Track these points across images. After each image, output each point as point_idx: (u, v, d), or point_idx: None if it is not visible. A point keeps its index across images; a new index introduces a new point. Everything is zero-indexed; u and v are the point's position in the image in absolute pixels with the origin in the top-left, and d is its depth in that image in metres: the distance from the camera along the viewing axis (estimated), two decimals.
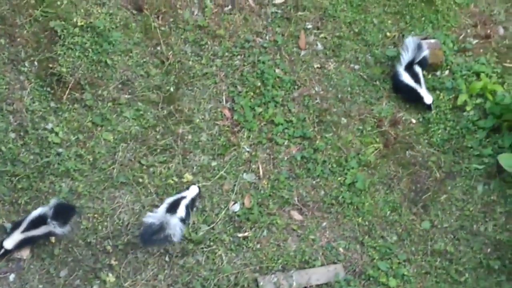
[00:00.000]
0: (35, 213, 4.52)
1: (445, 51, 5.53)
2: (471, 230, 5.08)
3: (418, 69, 5.35)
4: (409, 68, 5.30)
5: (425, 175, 5.21)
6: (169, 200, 4.72)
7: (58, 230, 4.50)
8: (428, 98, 5.34)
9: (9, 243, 4.49)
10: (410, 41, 5.28)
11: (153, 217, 4.58)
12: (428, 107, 5.35)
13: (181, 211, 4.66)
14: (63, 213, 4.54)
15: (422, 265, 4.95)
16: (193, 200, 4.82)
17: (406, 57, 5.28)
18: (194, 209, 4.85)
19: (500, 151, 5.23)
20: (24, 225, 4.49)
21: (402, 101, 5.40)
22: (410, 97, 5.39)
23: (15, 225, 4.56)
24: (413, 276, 4.89)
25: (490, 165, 5.24)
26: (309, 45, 5.49)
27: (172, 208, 4.64)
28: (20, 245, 4.55)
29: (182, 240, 4.73)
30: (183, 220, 4.65)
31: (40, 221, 4.50)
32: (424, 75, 5.40)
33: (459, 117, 5.38)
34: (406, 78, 5.31)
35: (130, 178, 4.90)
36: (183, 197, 4.75)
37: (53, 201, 4.55)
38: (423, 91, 5.33)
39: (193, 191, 4.83)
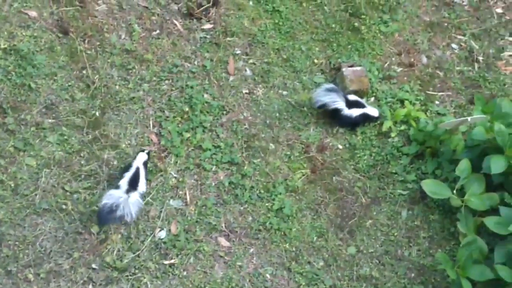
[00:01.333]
0: None
1: (371, 78, 5.73)
2: (395, 255, 5.22)
3: (353, 96, 5.53)
4: (350, 104, 5.47)
5: (351, 200, 5.34)
6: (128, 174, 4.85)
7: None
8: (374, 112, 5.55)
9: None
10: (326, 93, 5.43)
11: (111, 197, 4.68)
12: (377, 119, 5.57)
13: (142, 186, 4.87)
14: None
15: None
16: (145, 167, 4.95)
17: (339, 103, 5.43)
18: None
19: (423, 177, 5.41)
20: None
21: (330, 127, 5.55)
22: (365, 122, 5.59)
23: None
24: None
25: (414, 190, 5.42)
26: (238, 70, 5.62)
27: (133, 184, 4.82)
28: None
29: (107, 267, 4.74)
30: (142, 195, 4.86)
31: None
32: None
33: (384, 143, 5.57)
34: (355, 111, 5.48)
35: (53, 204, 4.86)
36: (138, 169, 4.89)
37: None
38: (368, 109, 5.53)
39: (142, 158, 4.95)
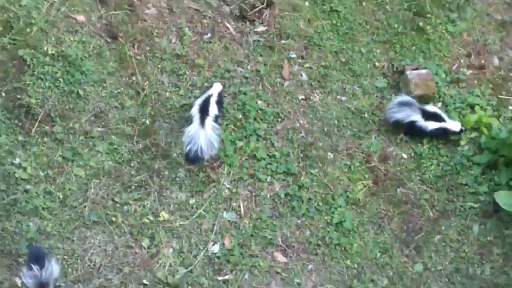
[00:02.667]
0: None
1: (437, 82, 5.68)
2: (466, 274, 5.15)
3: (432, 108, 5.50)
4: (427, 116, 5.44)
5: (418, 214, 5.29)
6: (198, 101, 5.20)
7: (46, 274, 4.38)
8: (455, 126, 5.48)
9: None
10: (400, 108, 5.42)
11: (189, 138, 5.06)
12: (459, 133, 5.50)
13: (213, 109, 5.17)
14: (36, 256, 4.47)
15: None
16: (220, 96, 5.28)
17: (414, 116, 5.42)
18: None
19: (496, 188, 5.34)
20: None
21: (393, 135, 5.51)
22: (441, 135, 5.53)
23: None
24: None
25: (486, 203, 5.35)
26: (293, 75, 5.62)
27: (204, 109, 5.14)
28: None
29: (158, 283, 4.77)
30: (217, 118, 5.20)
31: None
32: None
33: (453, 152, 5.52)
34: (432, 124, 5.44)
35: (103, 216, 4.92)
36: (210, 95, 5.22)
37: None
38: (448, 123, 5.46)
39: (217, 87, 5.25)
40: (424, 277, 5.10)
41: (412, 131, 5.51)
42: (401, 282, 5.05)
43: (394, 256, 5.13)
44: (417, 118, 5.43)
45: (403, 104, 5.45)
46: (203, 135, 5.07)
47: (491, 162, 5.44)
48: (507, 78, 5.85)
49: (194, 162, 5.17)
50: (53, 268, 4.38)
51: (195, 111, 5.18)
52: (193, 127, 5.10)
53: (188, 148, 5.10)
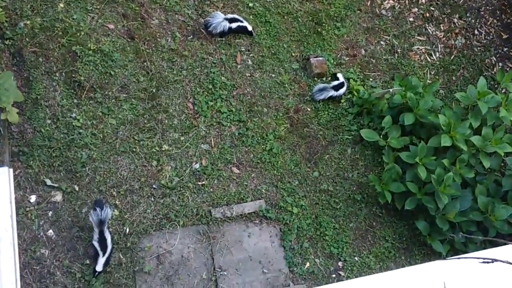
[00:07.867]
0: (97, 234, 4.15)
1: (328, 65, 5.53)
2: (343, 176, 5.15)
3: (335, 82, 5.26)
4: (335, 88, 5.23)
5: (316, 143, 5.23)
6: (229, 15, 5.23)
7: (104, 214, 4.17)
8: (341, 77, 5.29)
9: (99, 267, 4.16)
10: (320, 92, 5.21)
11: (211, 18, 5.17)
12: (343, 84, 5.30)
13: (233, 25, 5.21)
14: (99, 204, 4.31)
15: (313, 199, 5.02)
16: (237, 27, 5.25)
17: (330, 92, 5.21)
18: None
19: (361, 127, 5.30)
20: (102, 249, 4.15)
21: (302, 97, 5.38)
22: (343, 94, 5.32)
23: (96, 254, 4.15)
24: (308, 206, 4.97)
25: (355, 136, 5.30)
26: (243, 61, 5.42)
27: (231, 20, 5.19)
28: (106, 264, 4.17)
29: (162, 187, 4.67)
30: (230, 29, 5.20)
31: (103, 235, 4.15)
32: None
33: (336, 106, 5.41)
34: (341, 91, 5.24)
35: (127, 148, 4.77)
36: (238, 19, 5.24)
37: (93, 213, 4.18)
38: (345, 87, 5.28)
39: (250, 27, 5.29)
40: (319, 179, 5.09)
41: (330, 99, 5.29)
42: (306, 182, 5.04)
43: (302, 168, 5.09)
44: (332, 92, 5.22)
45: (321, 89, 5.23)
46: (218, 22, 5.15)
47: (359, 112, 5.37)
48: (369, 62, 5.71)
49: (206, 30, 5.24)
50: (108, 211, 4.19)
51: (226, 16, 5.18)
52: (218, 18, 5.15)
53: (208, 22, 5.18)
